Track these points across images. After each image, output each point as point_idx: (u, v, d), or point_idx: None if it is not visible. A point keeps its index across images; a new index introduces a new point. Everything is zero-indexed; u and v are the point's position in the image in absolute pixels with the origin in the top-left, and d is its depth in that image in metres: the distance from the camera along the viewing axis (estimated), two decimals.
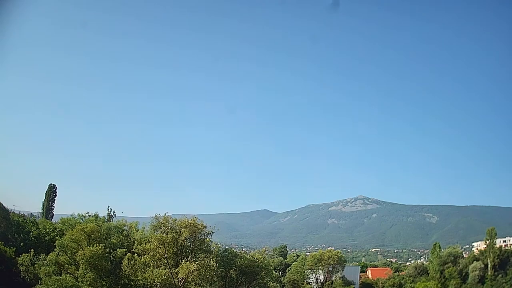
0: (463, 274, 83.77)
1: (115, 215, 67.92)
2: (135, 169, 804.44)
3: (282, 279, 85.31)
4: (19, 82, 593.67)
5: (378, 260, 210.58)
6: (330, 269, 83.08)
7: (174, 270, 38.48)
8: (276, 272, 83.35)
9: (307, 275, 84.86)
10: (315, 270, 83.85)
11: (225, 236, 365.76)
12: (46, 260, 40.72)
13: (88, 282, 36.48)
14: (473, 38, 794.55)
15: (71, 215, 52.95)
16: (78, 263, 38.25)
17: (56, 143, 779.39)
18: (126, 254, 40.10)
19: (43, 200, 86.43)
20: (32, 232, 53.70)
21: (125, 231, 48.68)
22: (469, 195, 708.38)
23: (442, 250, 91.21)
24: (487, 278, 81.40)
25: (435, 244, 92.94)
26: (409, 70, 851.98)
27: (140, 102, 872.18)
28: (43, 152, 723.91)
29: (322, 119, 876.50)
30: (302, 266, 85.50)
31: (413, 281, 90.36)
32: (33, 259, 42.02)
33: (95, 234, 40.64)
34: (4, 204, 58.41)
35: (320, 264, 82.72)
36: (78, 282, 36.86)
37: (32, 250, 43.09)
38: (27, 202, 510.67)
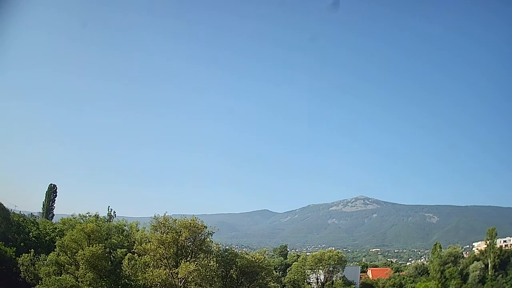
0: (464, 274, 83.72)
1: (115, 215, 68.09)
2: (135, 170, 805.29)
3: (283, 279, 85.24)
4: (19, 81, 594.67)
5: (378, 260, 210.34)
6: (331, 269, 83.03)
7: (174, 270, 38.49)
8: (276, 272, 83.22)
9: (308, 275, 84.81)
10: (315, 270, 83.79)
11: (225, 236, 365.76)
12: (46, 260, 40.68)
13: (88, 282, 36.41)
14: (474, 38, 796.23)
15: (71, 215, 52.98)
16: (78, 263, 38.20)
17: (56, 143, 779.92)
18: (126, 254, 40.18)
19: (43, 200, 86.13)
20: (32, 232, 53.61)
21: (125, 231, 48.76)
22: (469, 195, 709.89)
23: (443, 250, 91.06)
24: (487, 278, 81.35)
25: (435, 244, 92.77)
26: (411, 70, 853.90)
27: (139, 99, 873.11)
28: (43, 153, 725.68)
29: (323, 119, 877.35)
30: (302, 266, 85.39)
31: (413, 281, 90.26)
32: (33, 259, 41.95)
33: (95, 234, 40.59)
34: (4, 204, 58.31)
35: (321, 264, 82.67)
36: (78, 282, 36.80)
37: (32, 250, 43.03)
38: (27, 202, 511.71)
